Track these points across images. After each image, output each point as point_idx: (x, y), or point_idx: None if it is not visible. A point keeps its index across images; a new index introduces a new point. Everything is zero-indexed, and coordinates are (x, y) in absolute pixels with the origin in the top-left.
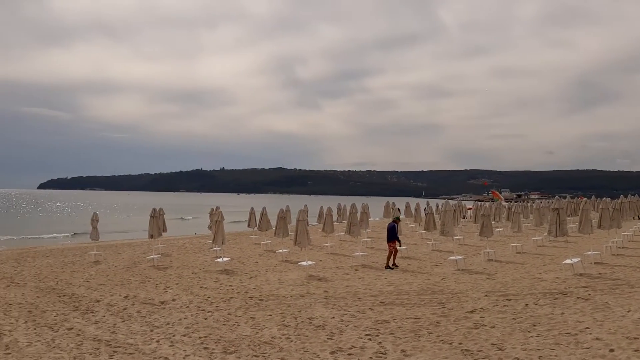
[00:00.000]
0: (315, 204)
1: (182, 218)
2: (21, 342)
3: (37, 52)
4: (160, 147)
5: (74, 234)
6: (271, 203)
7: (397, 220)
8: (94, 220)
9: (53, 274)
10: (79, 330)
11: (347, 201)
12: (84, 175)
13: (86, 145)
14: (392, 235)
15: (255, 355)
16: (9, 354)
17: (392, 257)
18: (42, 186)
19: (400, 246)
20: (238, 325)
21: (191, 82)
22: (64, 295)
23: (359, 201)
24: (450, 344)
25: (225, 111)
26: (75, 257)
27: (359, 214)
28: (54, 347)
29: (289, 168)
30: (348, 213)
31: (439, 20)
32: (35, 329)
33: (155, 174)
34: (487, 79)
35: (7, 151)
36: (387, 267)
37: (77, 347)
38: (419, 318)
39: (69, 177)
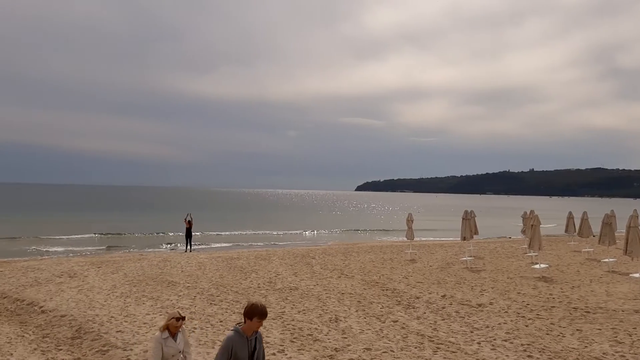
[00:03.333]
0: None
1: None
2: (355, 328)
3: (354, 66)
4: (466, 149)
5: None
6: (590, 207)
7: None
8: (409, 220)
9: (375, 269)
10: (403, 323)
11: None
12: (395, 178)
13: (397, 150)
14: None
15: None
16: (345, 338)
17: None
18: (359, 188)
19: None
20: (563, 336)
21: (496, 81)
22: (386, 290)
23: None
24: None
25: (534, 109)
26: (392, 255)
27: None
28: (383, 336)
29: (610, 168)
30: None
31: None
32: (365, 318)
33: (461, 176)
34: None
35: (329, 157)
36: None
37: (403, 339)
38: None
39: (381, 180)
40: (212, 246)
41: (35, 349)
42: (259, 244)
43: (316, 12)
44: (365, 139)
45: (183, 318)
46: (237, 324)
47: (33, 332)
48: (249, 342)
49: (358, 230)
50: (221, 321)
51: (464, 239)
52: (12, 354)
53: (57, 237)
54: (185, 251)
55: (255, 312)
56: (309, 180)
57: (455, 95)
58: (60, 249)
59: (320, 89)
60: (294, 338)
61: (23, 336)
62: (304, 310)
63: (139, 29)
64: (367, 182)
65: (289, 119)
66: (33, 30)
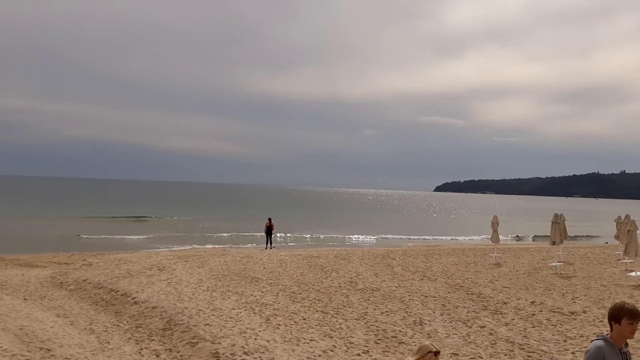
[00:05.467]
0: None
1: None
2: (440, 332)
3: (432, 64)
4: (552, 149)
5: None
6: None
7: None
8: (495, 223)
9: (459, 272)
10: (491, 329)
11: None
12: (475, 179)
13: (478, 150)
14: None
15: None
16: (431, 341)
17: None
18: (437, 189)
19: None
20: None
21: (584, 79)
22: (472, 294)
23: None
24: None
25: (625, 108)
26: (476, 258)
27: None
28: (470, 342)
29: None
30: None
31: None
32: (450, 322)
33: (546, 177)
34: None
35: (407, 157)
36: None
37: (492, 346)
38: None
39: (461, 181)
40: (292, 244)
41: (129, 339)
42: (337, 243)
43: (392, 9)
44: (444, 138)
45: (438, 352)
46: (602, 334)
47: (127, 322)
48: (621, 355)
49: (438, 231)
50: (304, 319)
51: (553, 243)
52: (108, 342)
53: (138, 236)
54: (266, 248)
55: (623, 313)
56: (386, 180)
57: (540, 93)
58: (143, 240)
59: (397, 87)
60: (378, 339)
61: (118, 325)
62: (387, 311)
63: (221, 30)
64: (446, 183)
65: (365, 117)
66: (123, 34)
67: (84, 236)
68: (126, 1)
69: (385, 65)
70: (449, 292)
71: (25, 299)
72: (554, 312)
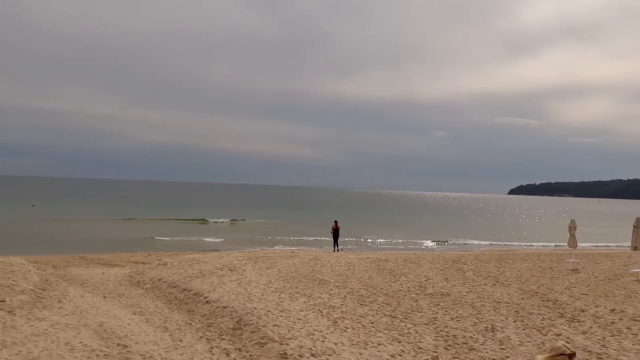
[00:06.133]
0: None
1: None
2: (513, 340)
3: (507, 63)
4: (635, 150)
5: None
6: None
7: None
8: (572, 227)
9: (533, 277)
10: (567, 337)
11: None
12: (552, 182)
13: (554, 151)
14: None
15: None
16: (504, 349)
17: None
18: (512, 192)
19: None
20: None
21: None
22: (547, 300)
23: None
24: None
25: None
26: (552, 263)
27: None
28: (545, 350)
29: None
30: None
31: None
32: (524, 329)
33: (629, 180)
34: None
35: (479, 159)
36: None
37: None
38: None
39: (537, 183)
40: (360, 247)
41: (201, 337)
42: (406, 246)
43: (466, 8)
44: (518, 139)
45: (574, 355)
46: None
47: (199, 320)
48: None
49: (512, 235)
50: (372, 322)
51: (635, 249)
52: (181, 340)
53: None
54: (334, 251)
55: None
56: (457, 183)
57: (621, 92)
58: (215, 241)
59: (470, 88)
60: (448, 345)
61: (190, 324)
62: (457, 317)
63: (291, 35)
64: (521, 186)
65: (437, 119)
66: (201, 43)
67: (158, 238)
68: (202, 13)
69: (458, 65)
70: (522, 299)
71: (104, 297)
72: (635, 320)
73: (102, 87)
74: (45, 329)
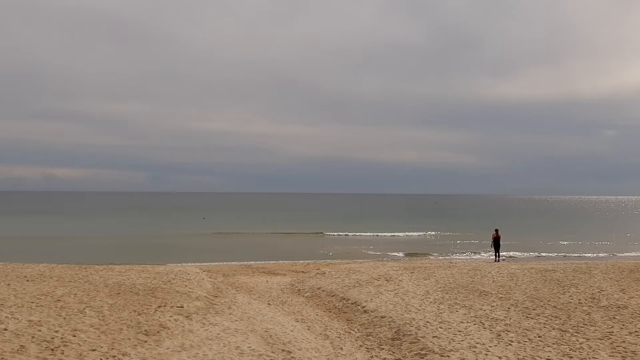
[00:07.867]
0: None
1: None
2: None
3: None
4: None
5: None
6: None
7: None
8: None
9: None
10: None
11: None
12: None
13: None
14: None
15: None
16: None
17: None
18: None
19: None
20: None
21: None
22: None
23: None
24: None
25: None
26: None
27: None
28: None
29: None
30: None
31: None
32: None
33: None
34: None
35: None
36: None
37: None
38: None
39: None
40: (523, 256)
41: (360, 346)
42: (574, 255)
43: None
44: None
45: None
46: None
47: (358, 329)
48: None
49: None
50: (539, 336)
51: None
52: (342, 348)
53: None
54: (495, 261)
55: None
56: (633, 185)
57: None
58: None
59: None
60: None
61: (350, 332)
62: (637, 331)
63: (439, 41)
64: None
65: (605, 117)
66: (350, 56)
67: (321, 251)
68: (349, 25)
69: (627, 57)
70: None
71: (269, 304)
72: None
73: (259, 107)
74: (218, 334)
